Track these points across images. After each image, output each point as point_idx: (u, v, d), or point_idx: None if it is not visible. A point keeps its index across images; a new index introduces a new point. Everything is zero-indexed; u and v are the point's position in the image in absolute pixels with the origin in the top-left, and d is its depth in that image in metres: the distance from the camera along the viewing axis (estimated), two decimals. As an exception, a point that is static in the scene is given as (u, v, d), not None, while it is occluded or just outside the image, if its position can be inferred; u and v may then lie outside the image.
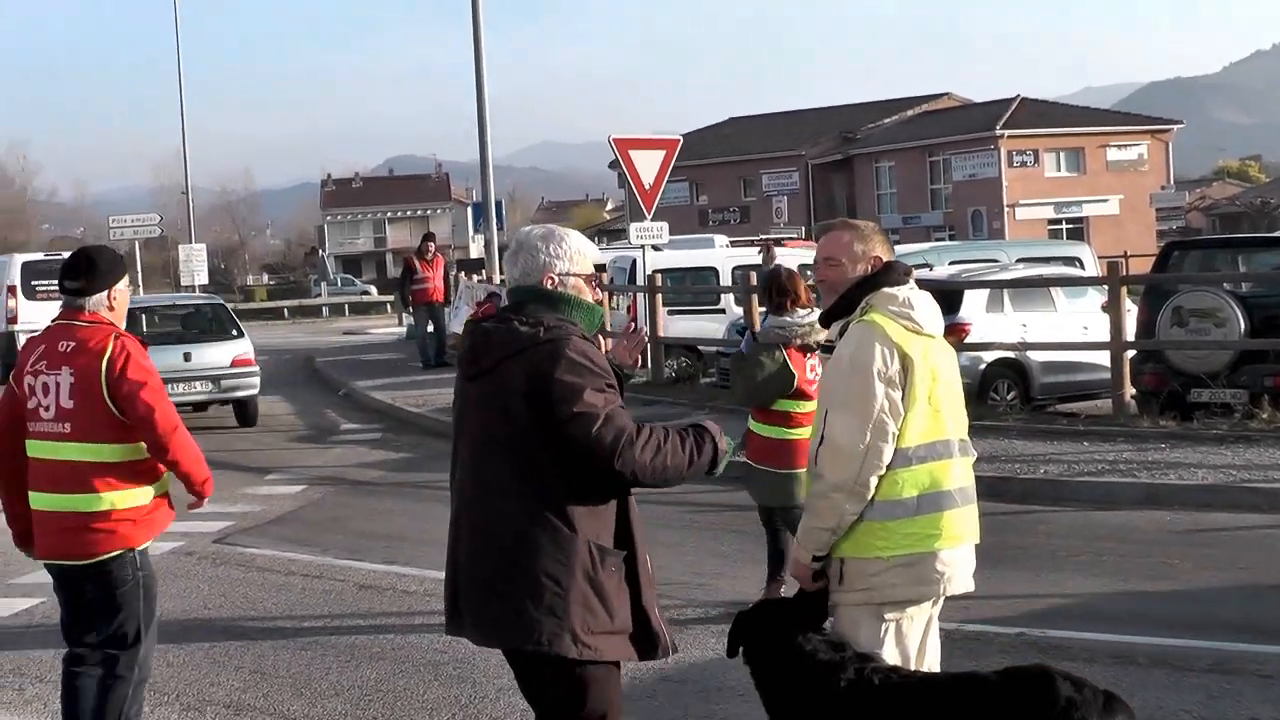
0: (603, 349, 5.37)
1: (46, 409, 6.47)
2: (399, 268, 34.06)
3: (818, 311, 9.57)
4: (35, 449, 6.54)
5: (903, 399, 5.28)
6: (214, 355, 21.81)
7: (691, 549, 11.89)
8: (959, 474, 5.41)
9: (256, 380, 22.14)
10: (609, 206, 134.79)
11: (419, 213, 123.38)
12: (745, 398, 9.88)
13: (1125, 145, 73.74)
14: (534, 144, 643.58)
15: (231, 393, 21.95)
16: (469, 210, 47.63)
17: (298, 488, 16.31)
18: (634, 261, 24.79)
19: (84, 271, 6.59)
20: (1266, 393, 15.95)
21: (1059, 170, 72.19)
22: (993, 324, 18.99)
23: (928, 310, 5.46)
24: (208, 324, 23.18)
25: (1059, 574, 10.90)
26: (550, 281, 5.20)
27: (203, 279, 70.41)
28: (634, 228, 23.55)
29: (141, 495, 6.54)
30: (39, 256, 31.53)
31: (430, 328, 29.03)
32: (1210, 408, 16.24)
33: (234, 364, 21.78)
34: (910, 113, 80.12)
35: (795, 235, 45.27)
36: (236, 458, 19.00)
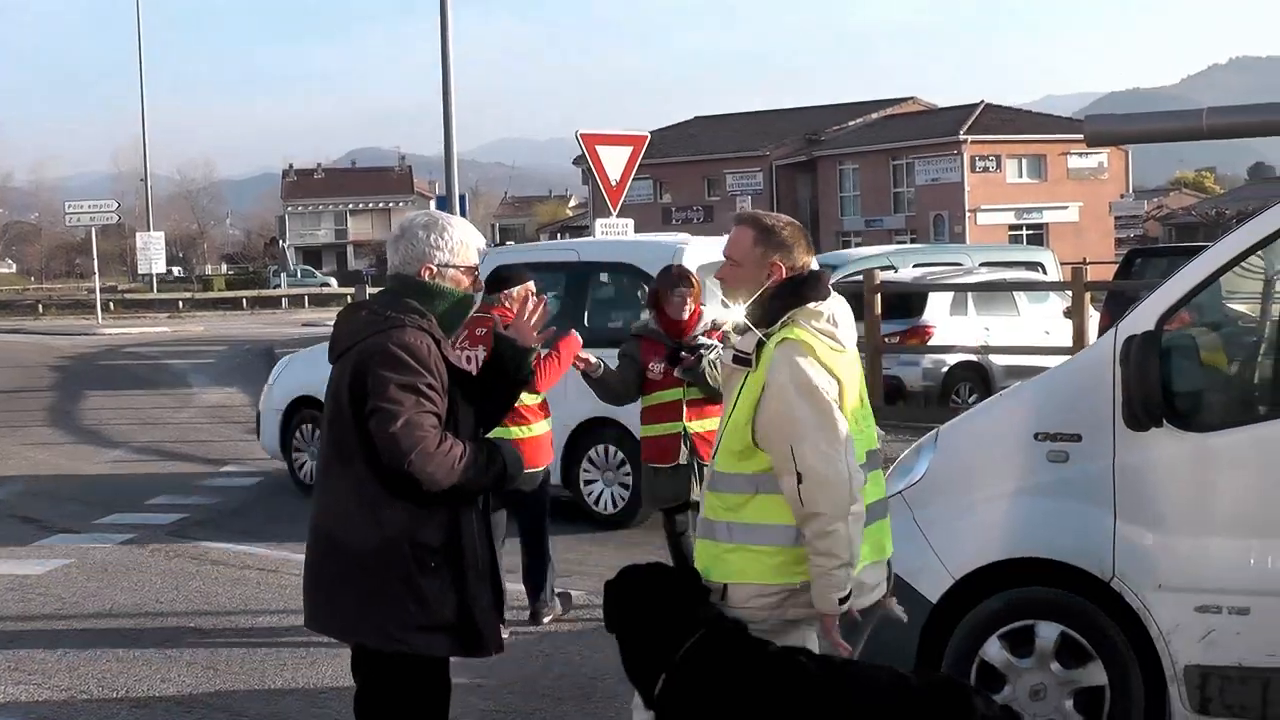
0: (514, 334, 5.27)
1: None
2: (360, 260, 33.83)
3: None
4: None
5: None
6: None
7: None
8: (869, 491, 5.13)
9: None
10: (572, 203, 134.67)
11: (381, 205, 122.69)
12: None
13: (1086, 153, 74.01)
14: (499, 139, 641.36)
15: None
16: (432, 204, 47.54)
17: (254, 480, 16.13)
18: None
19: (491, 279, 8.78)
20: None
21: (1020, 176, 72.38)
22: (956, 327, 18.99)
23: (848, 327, 5.16)
24: None
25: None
26: (429, 272, 5.11)
27: (160, 267, 70.36)
28: (599, 224, 23.38)
29: (539, 427, 9.28)
30: None
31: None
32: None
33: None
34: (875, 116, 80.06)
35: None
36: (192, 449, 18.81)
